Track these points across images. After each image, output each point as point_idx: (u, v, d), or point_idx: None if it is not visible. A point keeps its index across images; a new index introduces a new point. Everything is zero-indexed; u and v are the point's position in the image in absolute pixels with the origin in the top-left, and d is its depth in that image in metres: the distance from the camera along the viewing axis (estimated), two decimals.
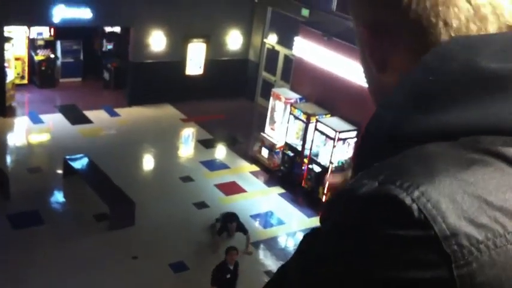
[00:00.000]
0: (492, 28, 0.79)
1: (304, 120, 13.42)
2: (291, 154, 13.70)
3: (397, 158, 0.72)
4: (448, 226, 0.66)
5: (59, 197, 12.20)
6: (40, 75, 17.19)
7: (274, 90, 15.10)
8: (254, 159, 14.61)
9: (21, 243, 10.30)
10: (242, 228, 10.86)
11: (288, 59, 16.57)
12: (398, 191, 0.67)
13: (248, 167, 14.40)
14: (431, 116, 0.74)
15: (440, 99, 0.75)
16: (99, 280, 9.65)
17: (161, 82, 16.82)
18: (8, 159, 13.48)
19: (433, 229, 0.65)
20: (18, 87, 16.26)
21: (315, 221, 12.35)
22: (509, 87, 0.73)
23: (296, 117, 13.68)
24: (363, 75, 0.96)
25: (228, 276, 8.58)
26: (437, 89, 0.76)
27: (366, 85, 0.98)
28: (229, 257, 8.92)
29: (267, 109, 14.99)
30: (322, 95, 13.85)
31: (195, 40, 17.29)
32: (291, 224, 12.20)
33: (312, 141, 13.15)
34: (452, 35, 0.79)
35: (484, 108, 0.73)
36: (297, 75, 15.10)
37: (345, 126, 12.75)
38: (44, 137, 14.70)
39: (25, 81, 17.08)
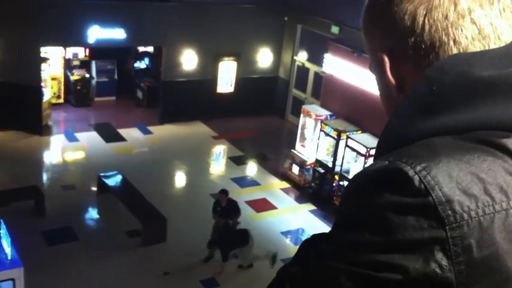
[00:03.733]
0: (494, 46, 0.92)
1: (335, 136, 13.41)
2: (322, 171, 13.68)
3: (406, 147, 0.87)
4: (443, 194, 0.79)
5: (92, 213, 12.42)
6: (75, 94, 17.63)
7: (305, 107, 15.15)
8: (284, 176, 14.63)
9: (56, 259, 10.51)
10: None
11: (318, 76, 16.62)
12: (404, 165, 0.81)
13: (278, 184, 14.43)
14: (435, 120, 0.88)
15: (442, 105, 0.88)
16: None
17: (192, 100, 17.05)
18: (44, 176, 13.81)
19: (431, 196, 0.79)
20: (54, 106, 16.69)
21: None
22: (498, 90, 0.87)
23: (326, 134, 13.68)
24: (380, 95, 1.07)
25: (218, 209, 10.71)
26: (438, 97, 0.88)
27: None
28: (220, 198, 11.09)
29: (297, 126, 15.03)
30: (353, 111, 13.83)
31: (225, 58, 17.51)
32: None
33: (343, 157, 13.12)
34: (461, 51, 0.91)
35: (478, 110, 0.86)
36: (327, 91, 15.13)
37: (376, 142, 12.65)
38: (79, 155, 15.02)
39: (61, 100, 17.53)
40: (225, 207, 10.99)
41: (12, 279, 7.23)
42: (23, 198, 11.94)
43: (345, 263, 0.83)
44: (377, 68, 1.02)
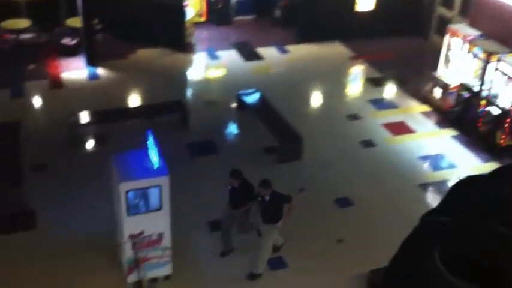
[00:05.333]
0: None
1: (484, 59, 12.47)
2: (467, 95, 12.90)
3: None
4: None
5: (232, 129, 12.90)
6: (217, 13, 17.97)
7: (451, 26, 14.15)
8: (425, 100, 14.02)
9: (198, 169, 11.17)
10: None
11: None
12: None
13: (418, 107, 13.88)
14: None
15: None
16: None
17: (331, 19, 16.64)
18: (188, 92, 14.49)
19: None
20: (196, 25, 17.19)
21: (491, 167, 11.69)
22: None
23: (474, 56, 12.75)
24: None
25: (229, 187, 8.87)
26: None
27: None
28: (231, 181, 8.89)
29: (441, 47, 14.16)
30: (506, 31, 12.68)
31: None
32: (463, 168, 11.63)
33: (492, 81, 12.22)
34: None
35: None
36: (477, 9, 13.95)
37: None
38: (220, 72, 15.50)
39: (203, 19, 17.98)
40: (236, 188, 8.84)
41: (159, 186, 7.82)
42: (169, 112, 12.69)
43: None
44: None
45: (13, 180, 10.01)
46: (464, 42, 13.20)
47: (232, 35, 17.49)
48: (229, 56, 16.12)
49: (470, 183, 0.97)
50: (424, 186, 11.04)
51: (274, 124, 12.10)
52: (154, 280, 8.44)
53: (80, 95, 13.70)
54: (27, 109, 13.10)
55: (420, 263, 0.95)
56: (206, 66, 15.75)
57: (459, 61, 13.31)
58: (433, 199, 10.83)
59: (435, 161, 11.89)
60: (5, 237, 9.24)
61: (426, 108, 13.80)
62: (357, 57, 16.36)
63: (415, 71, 15.29)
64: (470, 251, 0.87)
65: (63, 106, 12.95)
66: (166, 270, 8.42)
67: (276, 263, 8.97)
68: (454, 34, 13.61)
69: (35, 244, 9.09)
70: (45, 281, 8.43)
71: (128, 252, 8.05)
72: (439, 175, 11.44)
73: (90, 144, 11.99)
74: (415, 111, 13.73)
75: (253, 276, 8.65)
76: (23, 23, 15.92)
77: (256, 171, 11.18)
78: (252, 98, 13.09)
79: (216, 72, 15.49)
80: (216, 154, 11.73)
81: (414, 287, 0.99)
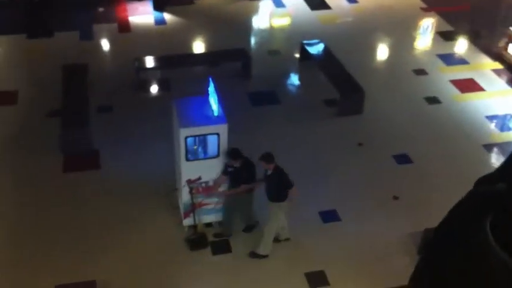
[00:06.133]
0: None
1: None
2: None
3: None
4: None
5: (294, 79, 12.81)
6: None
7: None
8: (498, 56, 13.37)
9: (259, 119, 11.22)
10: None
11: None
12: None
13: (490, 64, 13.27)
14: None
15: None
16: (324, 161, 10.16)
17: None
18: (251, 40, 14.42)
19: None
20: None
21: None
22: None
23: None
24: None
25: (230, 169, 8.06)
26: None
27: None
28: (231, 162, 8.09)
29: None
30: None
31: None
32: None
33: None
34: None
35: None
36: None
37: None
38: (285, 21, 15.28)
39: None
40: (238, 168, 8.12)
41: (217, 134, 7.92)
42: (232, 59, 12.70)
43: None
44: None
45: (80, 121, 10.40)
46: None
47: None
48: (296, 5, 15.83)
49: None
50: (489, 147, 10.68)
51: (337, 76, 11.91)
52: (209, 225, 8.68)
53: (146, 39, 13.90)
54: (95, 52, 13.45)
55: (468, 233, 0.94)
56: (271, 14, 15.55)
57: None
58: (496, 160, 10.47)
59: (503, 121, 11.43)
60: (71, 175, 9.70)
61: (498, 65, 13.18)
62: (428, 9, 15.70)
63: (490, 25, 14.55)
64: None
65: (130, 50, 13.21)
66: (220, 217, 8.63)
67: (331, 216, 9.01)
68: None
69: (99, 184, 9.51)
70: (106, 219, 8.85)
71: (184, 197, 8.29)
72: (505, 136, 11.01)
73: (154, 88, 12.23)
74: (486, 68, 13.14)
75: (254, 255, 8.27)
76: None
77: (316, 122, 11.15)
78: (316, 49, 12.89)
79: (281, 21, 15.28)
80: (277, 104, 11.72)
81: (460, 257, 0.98)
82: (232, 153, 8.02)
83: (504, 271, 0.83)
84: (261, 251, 8.28)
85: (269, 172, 7.99)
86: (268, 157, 7.93)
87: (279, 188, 7.99)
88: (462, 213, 1.02)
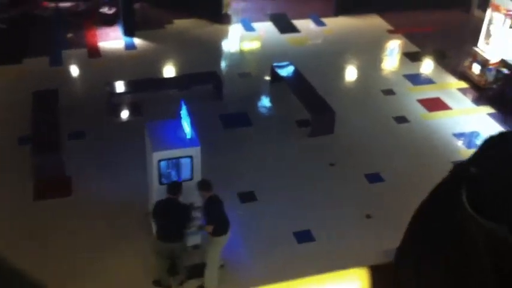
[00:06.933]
0: None
1: None
2: (507, 71, 12.59)
3: None
4: None
5: (265, 101, 12.93)
6: None
7: (494, 0, 13.74)
8: (463, 76, 13.74)
9: (231, 140, 11.28)
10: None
11: None
12: None
13: (455, 84, 13.63)
14: None
15: None
16: (296, 181, 10.23)
17: None
18: (223, 63, 14.54)
19: None
20: None
21: None
22: None
23: None
24: None
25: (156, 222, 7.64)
26: None
27: None
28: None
29: (482, 22, 13.78)
30: None
31: None
32: None
33: None
34: None
35: None
36: None
37: None
38: (255, 44, 15.47)
39: None
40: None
41: (191, 157, 7.96)
42: (203, 82, 12.78)
43: None
44: None
45: (51, 147, 10.30)
46: (506, 17, 12.83)
47: (269, 6, 17.37)
48: (265, 28, 16.06)
49: (501, 138, 1.04)
50: None
51: (308, 97, 12.08)
52: (196, 247, 8.62)
53: (117, 64, 13.90)
54: (66, 77, 13.39)
55: (447, 206, 1.02)
56: (242, 37, 15.74)
57: (500, 36, 12.96)
58: None
59: (469, 138, 11.71)
60: (42, 203, 9.56)
61: (464, 84, 13.54)
62: (395, 31, 16.09)
63: (454, 45, 14.97)
64: (497, 196, 0.93)
65: (101, 75, 13.18)
66: (195, 240, 8.59)
67: (304, 236, 9.06)
68: (496, 8, 13.23)
69: (70, 210, 9.40)
70: (76, 244, 8.73)
71: None
72: (473, 153, 11.25)
73: (125, 113, 12.21)
74: (452, 87, 13.49)
75: None
76: None
77: (288, 143, 11.25)
78: (286, 71, 13.07)
79: (251, 44, 15.46)
80: (249, 126, 11.81)
81: (439, 230, 1.05)
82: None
83: (491, 237, 0.91)
84: (209, 285, 8.02)
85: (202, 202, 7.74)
86: (205, 185, 7.71)
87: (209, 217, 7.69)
88: (439, 192, 1.10)
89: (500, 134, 1.02)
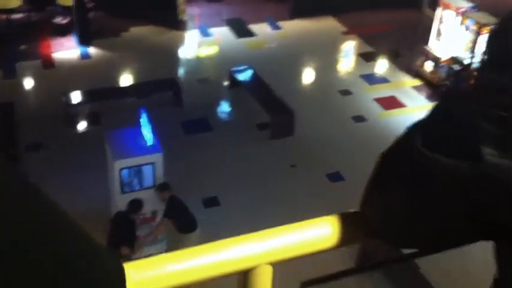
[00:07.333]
0: None
1: (476, 31, 12.51)
2: (458, 68, 12.97)
3: None
4: None
5: (224, 106, 12.97)
6: None
7: None
8: (417, 74, 14.09)
9: (192, 147, 11.27)
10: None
11: None
12: None
13: (410, 82, 13.96)
14: None
15: None
16: (261, 184, 10.31)
17: None
18: (181, 70, 14.51)
19: None
20: (188, 1, 17.10)
21: None
22: None
23: (467, 28, 12.79)
24: None
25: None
26: None
27: None
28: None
29: (433, 20, 14.16)
30: (499, 2, 12.69)
31: None
32: None
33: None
34: None
35: None
36: None
37: None
38: (212, 50, 15.50)
39: None
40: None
41: (152, 163, 7.94)
42: (162, 90, 12.73)
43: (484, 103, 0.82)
44: None
45: (7, 160, 10.10)
46: (456, 15, 13.22)
47: (225, 11, 17.43)
48: (222, 33, 16.11)
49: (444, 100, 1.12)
50: None
51: (267, 100, 12.18)
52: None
53: (73, 74, 13.71)
54: (20, 90, 13.13)
55: (403, 153, 1.05)
56: (199, 43, 15.74)
57: (451, 34, 13.34)
58: None
59: None
60: None
61: (418, 82, 13.88)
62: (349, 32, 16.36)
63: (407, 44, 15.32)
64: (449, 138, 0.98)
65: (56, 86, 12.97)
66: (161, 247, 8.56)
67: None
68: (446, 6, 13.61)
69: None
70: None
71: None
72: None
73: (84, 123, 12.06)
74: (406, 86, 13.81)
75: None
76: (14, 2, 15.84)
77: (250, 147, 11.32)
78: (245, 75, 13.14)
79: (209, 50, 15.49)
80: (209, 132, 11.82)
81: (397, 178, 1.07)
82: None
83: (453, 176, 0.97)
84: None
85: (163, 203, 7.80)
86: (163, 186, 7.79)
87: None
88: (394, 149, 1.15)
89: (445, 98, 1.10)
